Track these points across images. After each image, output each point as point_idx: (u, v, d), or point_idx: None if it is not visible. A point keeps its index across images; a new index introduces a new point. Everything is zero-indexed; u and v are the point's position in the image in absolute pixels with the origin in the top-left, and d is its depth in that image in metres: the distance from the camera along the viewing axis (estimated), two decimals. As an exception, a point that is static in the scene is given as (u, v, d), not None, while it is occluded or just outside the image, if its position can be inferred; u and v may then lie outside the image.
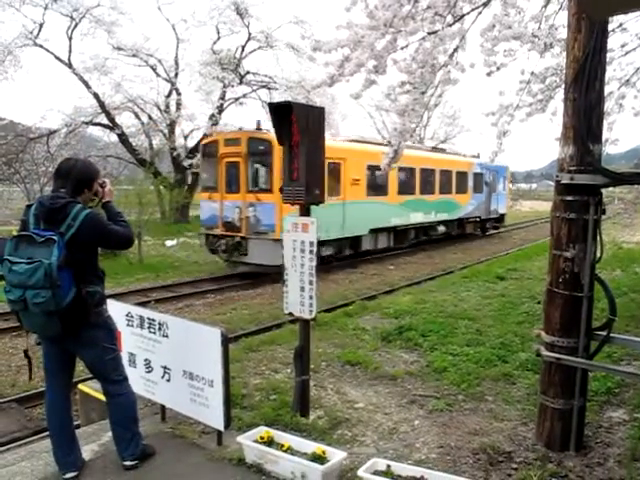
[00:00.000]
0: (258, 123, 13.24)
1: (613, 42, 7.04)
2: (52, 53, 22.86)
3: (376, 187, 16.47)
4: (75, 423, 5.45)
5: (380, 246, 17.05)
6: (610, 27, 4.72)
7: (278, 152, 11.40)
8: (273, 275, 12.25)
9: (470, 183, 22.63)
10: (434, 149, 22.75)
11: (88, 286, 3.24)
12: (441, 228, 20.85)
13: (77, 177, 3.32)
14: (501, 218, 26.67)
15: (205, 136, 19.01)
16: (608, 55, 4.42)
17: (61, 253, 3.04)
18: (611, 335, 3.74)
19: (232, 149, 13.28)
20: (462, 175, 22.01)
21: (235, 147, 13.21)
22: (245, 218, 12.99)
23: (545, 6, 6.16)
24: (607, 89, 6.42)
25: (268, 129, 12.55)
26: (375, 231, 16.44)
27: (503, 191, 26.48)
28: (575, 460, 3.67)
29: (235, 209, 13.13)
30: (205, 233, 14.11)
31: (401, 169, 17.17)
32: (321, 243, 13.32)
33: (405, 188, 17.98)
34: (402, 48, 5.54)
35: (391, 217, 17.31)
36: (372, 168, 15.57)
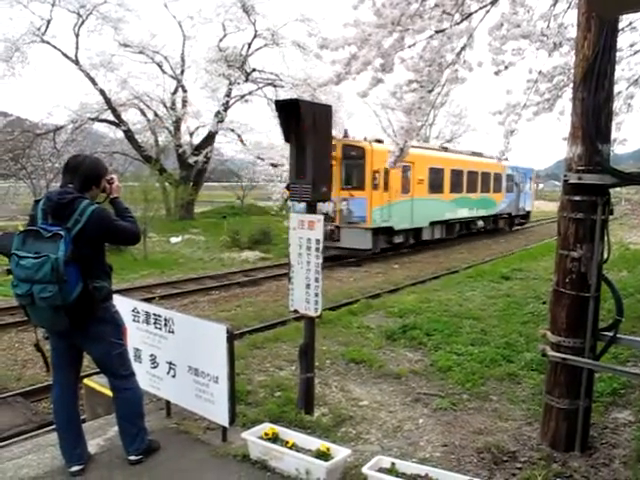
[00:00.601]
0: (346, 132, 16.49)
1: (622, 41, 7.02)
2: (59, 50, 22.92)
3: (434, 186, 19.35)
4: (80, 418, 5.50)
5: (435, 237, 19.77)
6: (619, 26, 4.70)
7: (370, 156, 15.44)
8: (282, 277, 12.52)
9: (503, 184, 25.70)
10: (474, 154, 24.52)
11: (95, 281, 3.25)
12: (480, 223, 23.81)
13: (85, 173, 3.33)
14: (527, 215, 30.07)
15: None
16: (617, 54, 4.40)
17: (68, 248, 3.05)
18: (618, 336, 3.73)
19: None
20: (498, 176, 24.96)
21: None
22: (339, 211, 15.68)
23: (554, 5, 6.14)
24: (615, 89, 6.40)
25: (356, 136, 16.52)
26: (433, 224, 19.31)
27: (529, 191, 29.82)
28: (580, 460, 3.66)
29: (330, 203, 14.27)
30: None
31: (452, 171, 20.50)
32: (395, 232, 16.78)
33: (455, 187, 20.91)
34: (409, 46, 5.54)
35: (445, 212, 20.21)
36: (432, 170, 19.04)
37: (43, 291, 3.01)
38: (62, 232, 3.07)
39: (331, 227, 15.42)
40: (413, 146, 18.19)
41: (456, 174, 20.90)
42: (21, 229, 3.22)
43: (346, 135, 16.40)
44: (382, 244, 16.60)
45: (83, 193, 3.28)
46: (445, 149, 23.06)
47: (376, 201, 15.34)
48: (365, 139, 16.43)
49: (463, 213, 21.75)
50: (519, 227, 29.18)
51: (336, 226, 15.67)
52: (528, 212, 29.98)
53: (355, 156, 15.73)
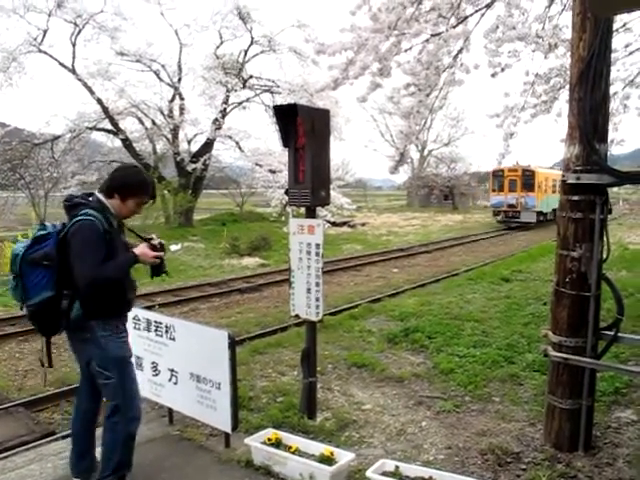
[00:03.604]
0: (517, 162, 30.31)
1: (617, 42, 7.07)
2: (56, 59, 22.93)
3: (550, 189, 30.98)
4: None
5: (549, 218, 29.70)
6: (614, 27, 4.72)
7: (537, 176, 29.91)
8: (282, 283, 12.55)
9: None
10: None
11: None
12: None
13: (112, 179, 3.19)
14: None
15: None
16: (612, 55, 4.42)
17: (44, 249, 2.99)
18: (619, 335, 3.73)
19: (512, 173, 30.21)
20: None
21: (514, 172, 30.14)
22: (520, 203, 29.65)
23: (549, 6, 6.17)
24: (611, 89, 6.43)
25: (530, 164, 31.09)
26: (554, 210, 26.69)
27: None
28: (584, 460, 3.65)
29: (514, 198, 29.80)
30: (494, 210, 31.65)
31: (553, 179, 30.34)
32: (543, 214, 30.32)
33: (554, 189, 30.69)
34: (406, 50, 5.57)
35: (555, 203, 27.28)
36: (547, 180, 31.23)
37: (11, 282, 3.09)
38: (51, 233, 3.05)
39: (515, 211, 29.75)
40: (540, 167, 34.03)
41: (552, 181, 30.82)
42: (20, 239, 3.23)
43: (517, 163, 30.27)
44: (538, 219, 29.71)
45: (107, 198, 3.14)
46: (552, 168, 34.33)
47: (538, 197, 29.50)
48: (529, 166, 30.58)
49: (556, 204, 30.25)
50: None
51: (518, 211, 29.68)
52: None
53: (528, 175, 29.86)
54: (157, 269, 3.30)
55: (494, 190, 31.35)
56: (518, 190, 29.64)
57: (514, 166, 30.13)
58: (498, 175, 30.86)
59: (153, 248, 3.16)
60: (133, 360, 3.37)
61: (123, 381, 3.18)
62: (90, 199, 3.15)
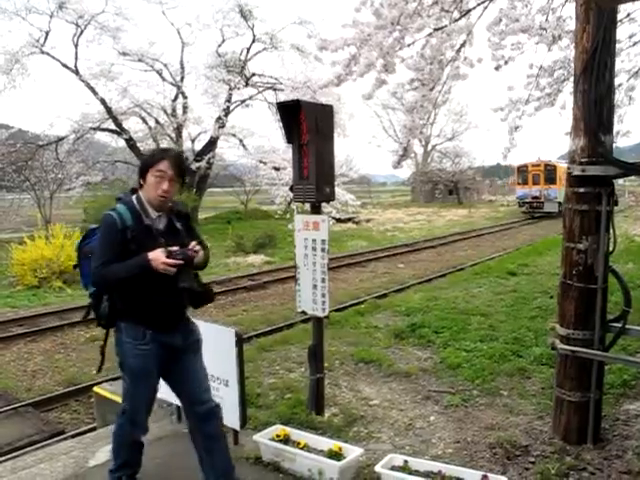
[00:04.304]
0: (539, 158, 33.55)
1: (621, 33, 7.01)
2: (59, 60, 22.97)
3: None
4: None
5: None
6: (618, 18, 4.70)
7: (558, 170, 30.74)
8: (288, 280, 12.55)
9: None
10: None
11: None
12: None
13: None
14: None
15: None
16: (616, 46, 4.40)
17: (90, 243, 3.06)
18: (626, 327, 3.72)
19: (536, 168, 32.61)
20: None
21: (537, 167, 32.60)
22: (543, 194, 32.06)
23: (552, -2, 6.14)
24: (616, 81, 6.40)
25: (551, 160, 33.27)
26: None
27: None
28: (593, 453, 3.64)
29: (537, 191, 32.25)
30: (519, 201, 33.96)
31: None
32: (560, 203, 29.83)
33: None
34: (409, 45, 5.55)
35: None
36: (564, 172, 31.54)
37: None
38: (96, 229, 3.08)
39: (539, 202, 32.18)
40: (560, 161, 33.87)
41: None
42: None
43: (540, 159, 33.35)
44: (560, 209, 28.48)
45: (139, 191, 3.00)
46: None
47: (559, 189, 29.20)
48: (550, 161, 32.95)
49: None
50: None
51: (542, 202, 32.04)
52: None
53: (550, 169, 32.07)
54: (176, 280, 2.87)
55: (519, 183, 34.02)
56: (541, 183, 32.40)
57: (537, 161, 33.18)
58: (523, 170, 33.53)
59: (169, 255, 2.80)
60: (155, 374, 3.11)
61: (134, 391, 3.11)
62: (126, 194, 3.06)
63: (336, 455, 3.41)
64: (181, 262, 2.80)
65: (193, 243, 2.92)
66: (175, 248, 2.83)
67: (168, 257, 2.77)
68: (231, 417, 3.77)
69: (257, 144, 26.17)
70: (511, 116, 6.67)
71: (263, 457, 3.65)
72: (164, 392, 4.24)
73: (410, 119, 5.72)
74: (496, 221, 31.28)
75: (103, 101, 23.19)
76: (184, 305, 3.11)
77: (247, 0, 23.85)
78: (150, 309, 2.95)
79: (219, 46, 25.12)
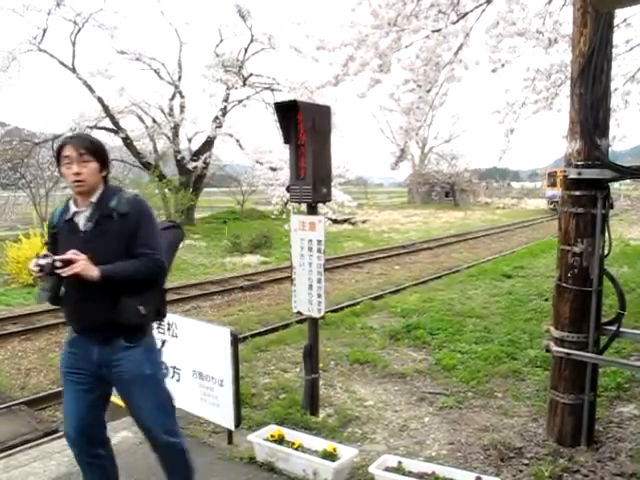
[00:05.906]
0: (549, 168, 40.26)
1: (617, 38, 7.03)
2: (56, 58, 22.88)
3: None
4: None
5: None
6: (614, 22, 4.72)
7: (558, 175, 28.90)
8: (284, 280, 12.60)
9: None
10: None
11: None
12: None
13: None
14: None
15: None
16: (613, 51, 4.42)
17: None
18: (621, 330, 3.73)
19: (563, 173, 32.89)
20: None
21: (565, 172, 32.65)
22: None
23: (549, 2, 6.16)
24: (612, 85, 6.42)
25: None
26: None
27: None
28: (586, 455, 3.65)
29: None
30: (548, 200, 38.87)
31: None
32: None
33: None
34: (406, 46, 5.57)
35: None
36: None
37: None
38: None
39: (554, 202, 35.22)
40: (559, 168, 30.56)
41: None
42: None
43: (555, 169, 35.24)
44: None
45: None
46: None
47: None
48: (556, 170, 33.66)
49: None
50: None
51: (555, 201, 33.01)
52: None
53: (554, 175, 34.26)
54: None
55: (549, 186, 39.37)
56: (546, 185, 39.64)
57: (564, 167, 39.86)
58: (552, 175, 37.97)
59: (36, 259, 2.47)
60: None
61: None
62: None
63: (330, 456, 3.41)
64: (38, 272, 2.43)
65: (70, 253, 2.45)
66: (43, 253, 2.50)
67: (36, 262, 2.45)
68: (226, 417, 3.78)
69: (254, 144, 26.12)
70: (507, 119, 6.70)
71: (257, 457, 3.65)
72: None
73: (407, 120, 5.73)
74: (492, 223, 31.33)
75: (100, 99, 23.13)
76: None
77: (245, 0, 23.86)
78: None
79: (217, 46, 25.10)
